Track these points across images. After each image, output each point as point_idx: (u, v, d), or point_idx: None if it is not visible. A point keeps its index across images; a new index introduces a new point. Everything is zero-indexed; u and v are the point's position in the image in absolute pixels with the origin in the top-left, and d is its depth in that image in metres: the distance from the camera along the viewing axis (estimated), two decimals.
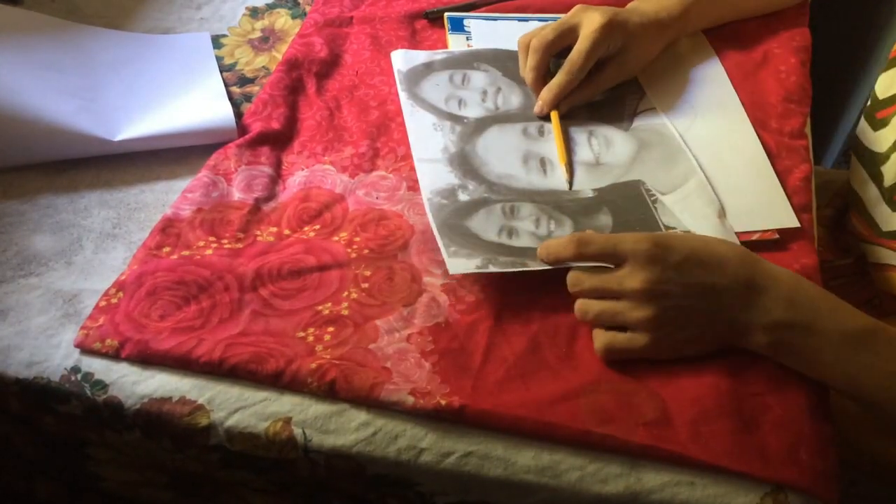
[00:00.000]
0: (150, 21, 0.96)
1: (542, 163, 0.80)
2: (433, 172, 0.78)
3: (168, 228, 0.74)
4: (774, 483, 0.61)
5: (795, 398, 0.64)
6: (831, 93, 1.40)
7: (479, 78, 0.88)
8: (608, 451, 0.62)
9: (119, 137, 0.79)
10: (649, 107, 0.87)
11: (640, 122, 0.86)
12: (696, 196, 0.78)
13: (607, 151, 0.82)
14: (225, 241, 0.74)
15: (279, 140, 0.83)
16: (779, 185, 0.80)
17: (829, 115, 1.53)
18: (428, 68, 0.89)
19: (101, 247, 0.74)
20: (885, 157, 0.86)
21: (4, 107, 0.77)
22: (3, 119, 0.76)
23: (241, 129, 0.83)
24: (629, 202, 0.77)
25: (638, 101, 0.88)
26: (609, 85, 0.87)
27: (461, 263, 0.69)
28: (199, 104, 0.84)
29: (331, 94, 0.88)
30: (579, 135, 0.83)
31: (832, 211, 0.99)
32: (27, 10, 0.92)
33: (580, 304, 0.68)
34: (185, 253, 0.73)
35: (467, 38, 0.94)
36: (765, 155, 0.83)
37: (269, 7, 0.99)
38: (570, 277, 0.69)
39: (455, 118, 0.84)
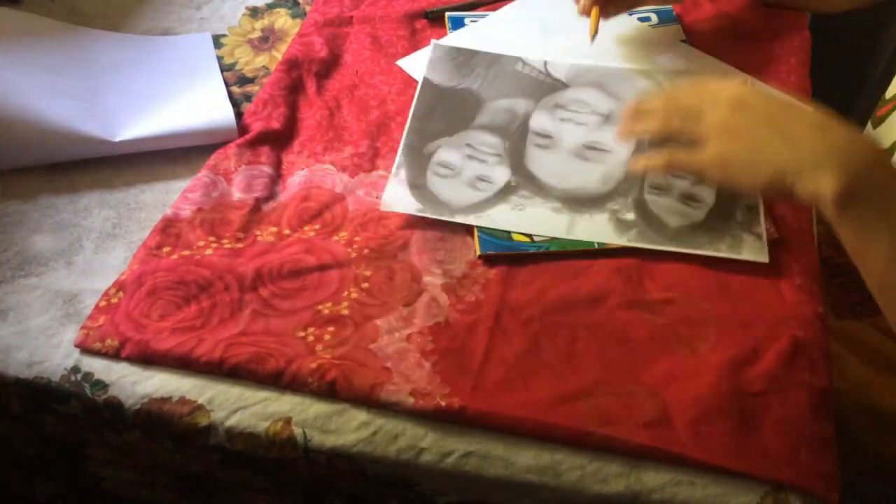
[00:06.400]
0: (149, 21, 0.96)
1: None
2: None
3: (168, 228, 0.74)
4: (774, 483, 0.61)
5: (796, 398, 0.64)
6: (830, 95, 1.40)
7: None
8: (609, 452, 0.62)
9: (119, 138, 0.79)
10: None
11: None
12: None
13: None
14: (225, 240, 0.74)
15: (279, 140, 0.83)
16: None
17: None
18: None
19: (102, 247, 0.74)
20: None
21: (5, 109, 0.77)
22: (4, 121, 0.76)
23: (241, 128, 0.83)
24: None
25: None
26: None
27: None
28: (200, 104, 0.84)
29: (331, 93, 0.88)
30: None
31: None
32: (27, 13, 0.92)
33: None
34: (186, 253, 0.73)
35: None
36: None
37: (269, 7, 0.99)
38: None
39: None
